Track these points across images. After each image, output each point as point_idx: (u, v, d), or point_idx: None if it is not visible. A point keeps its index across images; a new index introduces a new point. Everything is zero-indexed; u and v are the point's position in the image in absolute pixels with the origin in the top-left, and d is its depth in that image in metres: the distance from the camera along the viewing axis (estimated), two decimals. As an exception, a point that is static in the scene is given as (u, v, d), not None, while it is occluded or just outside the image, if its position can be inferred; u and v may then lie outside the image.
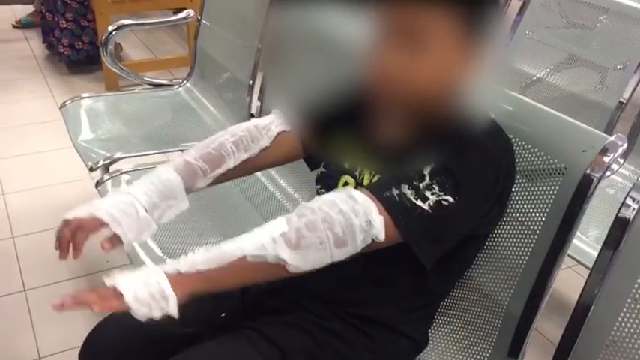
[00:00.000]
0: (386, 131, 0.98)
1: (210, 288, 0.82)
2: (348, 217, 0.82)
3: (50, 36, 3.67)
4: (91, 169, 1.89)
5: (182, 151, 1.98)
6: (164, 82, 2.45)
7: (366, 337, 0.98)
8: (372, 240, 0.84)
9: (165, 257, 1.45)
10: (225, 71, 2.19)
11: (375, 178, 0.99)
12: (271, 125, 1.07)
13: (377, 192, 0.87)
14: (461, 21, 0.86)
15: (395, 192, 0.86)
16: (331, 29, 1.57)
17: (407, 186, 0.87)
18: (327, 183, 1.05)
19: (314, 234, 0.81)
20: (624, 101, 1.92)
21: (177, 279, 0.80)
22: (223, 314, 0.92)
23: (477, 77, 0.94)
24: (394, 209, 0.85)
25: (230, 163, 1.04)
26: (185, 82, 2.39)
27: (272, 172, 1.85)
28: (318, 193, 1.05)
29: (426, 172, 0.87)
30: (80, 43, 3.51)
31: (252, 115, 2.00)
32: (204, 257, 0.82)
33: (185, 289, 0.80)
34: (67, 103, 2.21)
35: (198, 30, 2.35)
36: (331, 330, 0.95)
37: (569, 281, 0.97)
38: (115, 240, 0.91)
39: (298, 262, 0.81)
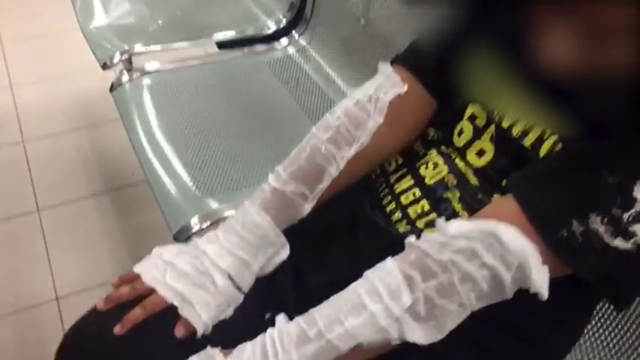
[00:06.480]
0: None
1: None
2: (495, 272, 0.58)
3: None
4: (105, 66, 1.52)
5: (217, 43, 1.63)
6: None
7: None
8: None
9: (198, 194, 1.12)
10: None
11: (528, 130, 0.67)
12: (379, 93, 0.77)
13: (546, 231, 0.59)
14: None
15: (578, 229, 0.58)
16: None
17: (600, 218, 0.57)
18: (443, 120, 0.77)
19: (451, 299, 0.59)
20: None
21: None
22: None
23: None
24: (574, 258, 0.59)
25: (332, 171, 0.77)
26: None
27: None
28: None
29: (638, 192, 0.57)
30: None
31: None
32: (307, 352, 0.60)
33: None
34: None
35: None
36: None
37: None
38: (190, 324, 0.69)
39: (433, 336, 0.60)
